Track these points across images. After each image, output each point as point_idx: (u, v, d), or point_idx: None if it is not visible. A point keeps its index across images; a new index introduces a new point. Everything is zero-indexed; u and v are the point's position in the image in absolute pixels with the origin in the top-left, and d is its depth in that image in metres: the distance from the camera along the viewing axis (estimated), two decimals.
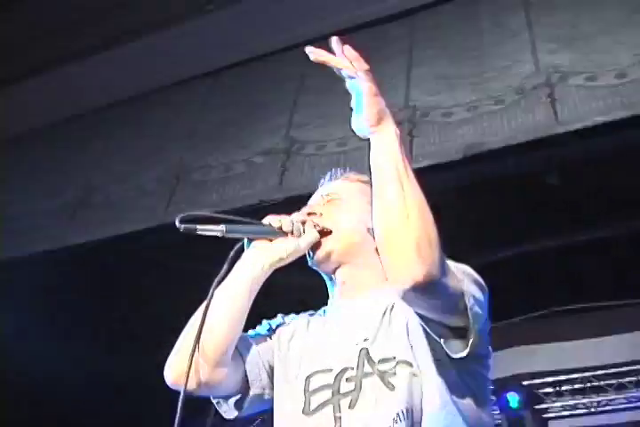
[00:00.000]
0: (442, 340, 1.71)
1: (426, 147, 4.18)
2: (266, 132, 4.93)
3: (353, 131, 1.72)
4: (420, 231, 1.59)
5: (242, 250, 1.90)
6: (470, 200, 5.35)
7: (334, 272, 2.00)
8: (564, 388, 7.06)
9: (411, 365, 1.75)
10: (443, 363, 1.75)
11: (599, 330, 6.73)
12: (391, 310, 1.86)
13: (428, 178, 1.87)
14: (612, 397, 6.96)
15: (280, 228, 1.90)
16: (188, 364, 1.75)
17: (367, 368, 1.78)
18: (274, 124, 4.94)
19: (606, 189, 5.50)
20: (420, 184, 1.66)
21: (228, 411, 1.93)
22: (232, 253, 1.85)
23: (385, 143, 1.68)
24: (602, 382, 6.89)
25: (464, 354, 1.69)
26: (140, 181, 5.11)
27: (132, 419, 6.01)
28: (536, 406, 7.12)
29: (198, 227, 1.80)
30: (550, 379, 7.02)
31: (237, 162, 4.86)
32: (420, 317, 1.72)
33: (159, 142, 5.34)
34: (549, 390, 7.10)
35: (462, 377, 1.78)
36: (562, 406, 7.17)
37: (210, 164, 4.97)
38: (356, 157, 4.21)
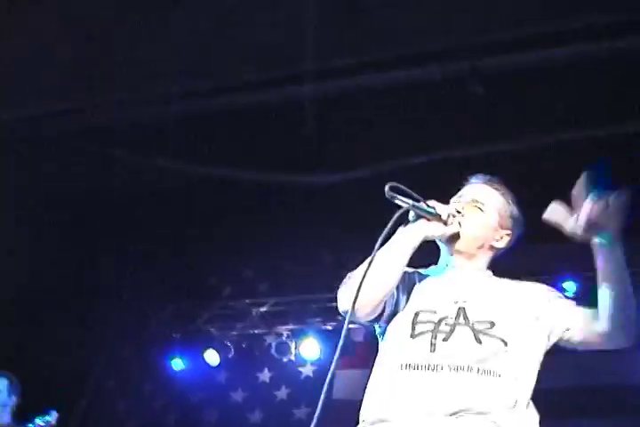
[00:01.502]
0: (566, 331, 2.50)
1: None
2: None
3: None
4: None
5: (403, 216, 2.47)
6: None
7: (454, 246, 2.62)
8: None
9: (504, 341, 2.37)
10: (533, 347, 2.45)
11: None
12: (499, 291, 2.56)
13: None
14: None
15: (439, 214, 2.50)
16: (368, 300, 2.42)
17: (461, 320, 2.41)
18: None
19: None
20: None
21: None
22: (396, 216, 2.42)
23: (620, 253, 2.33)
24: None
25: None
26: None
27: None
28: None
29: (398, 197, 2.43)
30: None
31: None
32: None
33: None
34: None
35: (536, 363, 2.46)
36: None
37: None
38: None
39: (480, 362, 2.33)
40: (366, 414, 2.45)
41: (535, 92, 5.84)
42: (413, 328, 2.45)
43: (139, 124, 6.30)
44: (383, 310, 2.53)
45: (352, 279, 2.45)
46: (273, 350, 8.33)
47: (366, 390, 2.51)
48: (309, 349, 8.26)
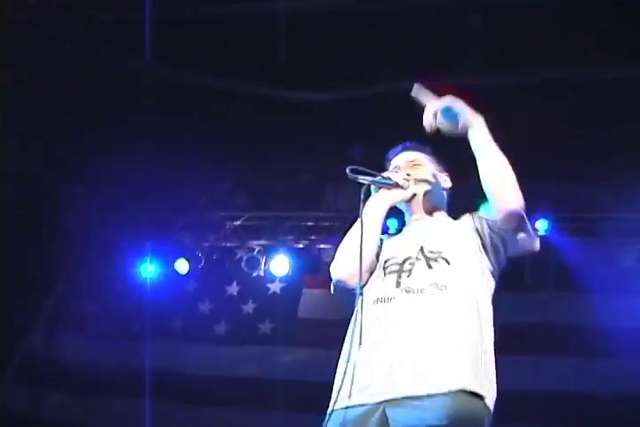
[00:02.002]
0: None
1: None
2: None
3: None
4: (515, 180, 2.80)
5: (368, 190, 2.93)
6: None
7: (412, 206, 3.08)
8: None
9: (447, 261, 2.82)
10: (472, 263, 2.88)
11: None
12: (447, 228, 3.01)
13: None
14: None
15: (396, 182, 2.96)
16: (357, 269, 2.80)
17: (420, 257, 2.87)
18: None
19: None
20: None
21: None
22: (363, 193, 2.87)
23: (485, 129, 2.82)
24: None
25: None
26: None
27: None
28: None
29: (359, 177, 2.87)
30: None
31: None
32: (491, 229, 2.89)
33: None
34: None
35: (480, 272, 2.88)
36: None
37: None
38: None
39: (431, 283, 2.76)
40: (344, 353, 2.84)
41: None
42: (384, 272, 2.91)
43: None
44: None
45: (339, 251, 2.95)
46: (243, 264, 8.39)
47: (350, 330, 2.90)
48: (279, 265, 8.33)
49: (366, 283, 2.91)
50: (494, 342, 2.79)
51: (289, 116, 6.96)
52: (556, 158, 7.17)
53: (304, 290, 8.70)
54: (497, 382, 2.73)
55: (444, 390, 2.53)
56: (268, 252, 8.42)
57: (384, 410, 2.60)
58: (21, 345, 8.63)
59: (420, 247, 2.89)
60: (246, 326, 8.72)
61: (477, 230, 2.91)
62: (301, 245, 8.40)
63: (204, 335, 8.74)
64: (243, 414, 8.14)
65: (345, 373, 2.75)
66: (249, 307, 8.81)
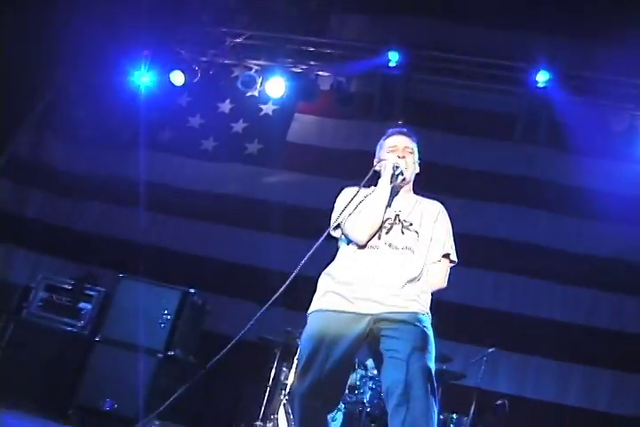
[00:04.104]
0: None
1: None
2: None
3: None
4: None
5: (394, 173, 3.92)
6: None
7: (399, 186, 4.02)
8: None
9: (417, 233, 3.87)
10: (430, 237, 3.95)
11: None
12: (417, 206, 3.99)
13: None
14: None
15: (402, 172, 3.93)
16: (373, 232, 3.82)
17: (396, 221, 3.89)
18: None
19: None
20: None
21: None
22: (393, 173, 3.92)
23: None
24: None
25: None
26: None
27: None
28: None
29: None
30: None
31: None
32: None
33: None
34: None
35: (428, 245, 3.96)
36: None
37: None
38: None
39: (404, 245, 3.81)
40: (335, 274, 3.81)
41: None
42: None
43: None
44: None
45: (363, 220, 3.84)
46: (239, 83, 8.35)
47: (334, 263, 3.90)
48: (275, 87, 8.30)
49: None
50: None
51: None
52: (569, 14, 7.06)
53: (296, 115, 8.71)
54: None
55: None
56: (265, 72, 8.35)
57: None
58: (6, 148, 8.66)
59: (395, 214, 3.90)
60: (234, 144, 8.78)
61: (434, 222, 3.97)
62: (299, 70, 8.33)
63: (191, 150, 8.81)
64: (225, 229, 8.36)
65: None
66: (239, 126, 8.85)
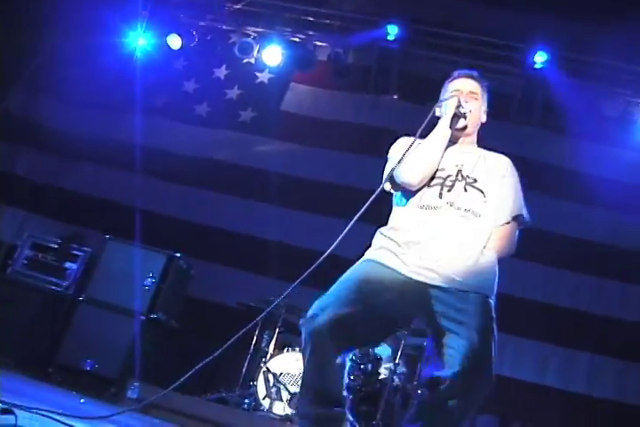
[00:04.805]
0: None
1: None
2: None
3: None
4: None
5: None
6: None
7: (458, 132, 3.61)
8: None
9: (483, 192, 3.44)
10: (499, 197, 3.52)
11: None
12: (481, 160, 3.56)
13: None
14: None
15: (465, 114, 3.55)
16: (426, 175, 3.44)
17: (459, 178, 3.46)
18: None
19: None
20: None
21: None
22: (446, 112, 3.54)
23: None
24: None
25: None
26: None
27: None
28: None
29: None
30: None
31: None
32: None
33: None
34: None
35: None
36: None
37: None
38: None
39: (468, 206, 3.39)
40: (389, 234, 3.41)
41: None
42: (430, 182, 3.47)
43: None
44: None
45: (417, 160, 3.43)
46: (236, 49, 8.30)
47: (391, 223, 3.51)
48: (271, 55, 8.26)
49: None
50: None
51: None
52: None
53: (292, 84, 8.68)
54: None
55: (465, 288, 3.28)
56: (262, 40, 8.31)
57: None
58: None
59: (458, 170, 3.49)
60: (228, 111, 8.74)
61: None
62: (297, 39, 8.29)
63: (185, 115, 8.77)
64: (214, 196, 8.36)
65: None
66: (233, 92, 8.81)
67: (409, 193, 3.51)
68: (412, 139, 3.47)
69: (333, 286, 3.29)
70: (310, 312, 3.19)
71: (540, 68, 7.61)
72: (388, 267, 3.30)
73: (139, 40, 8.57)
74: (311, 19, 8.21)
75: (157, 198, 8.33)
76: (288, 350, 6.20)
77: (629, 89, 7.56)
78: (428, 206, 3.41)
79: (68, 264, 7.11)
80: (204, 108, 8.82)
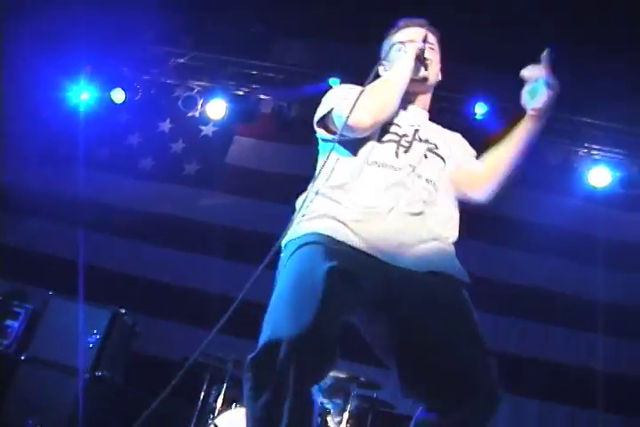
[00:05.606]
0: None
1: None
2: None
3: None
4: None
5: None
6: None
7: (415, 87, 3.02)
8: None
9: (444, 161, 2.97)
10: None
11: None
12: (436, 127, 3.10)
13: None
14: None
15: (427, 61, 2.98)
16: (384, 114, 2.85)
17: (417, 138, 2.92)
18: None
19: None
20: None
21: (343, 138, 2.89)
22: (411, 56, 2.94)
23: (537, 130, 2.95)
24: None
25: None
26: None
27: None
28: None
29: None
30: None
31: None
32: None
33: None
34: None
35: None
36: None
37: None
38: None
39: (429, 175, 2.88)
40: (334, 196, 2.81)
41: None
42: (381, 137, 2.90)
43: None
44: None
45: (370, 98, 2.82)
46: (180, 103, 8.32)
47: (338, 183, 2.84)
48: (215, 109, 8.29)
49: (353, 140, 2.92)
50: None
51: None
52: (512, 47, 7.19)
53: (236, 137, 8.71)
54: None
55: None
56: (206, 94, 8.34)
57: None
58: None
59: (414, 129, 2.96)
60: (173, 164, 8.73)
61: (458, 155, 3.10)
62: (241, 93, 8.35)
63: (129, 168, 8.72)
64: (158, 250, 8.29)
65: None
66: (178, 146, 8.81)
67: (351, 145, 2.91)
68: (353, 85, 3.00)
69: (286, 283, 2.72)
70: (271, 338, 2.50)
71: (481, 120, 7.75)
72: (338, 240, 2.67)
73: (81, 94, 8.55)
74: (254, 72, 8.27)
75: (101, 253, 8.21)
76: (236, 406, 6.10)
77: (568, 138, 7.72)
78: (383, 164, 2.82)
79: (8, 322, 6.95)
80: (148, 161, 8.78)
